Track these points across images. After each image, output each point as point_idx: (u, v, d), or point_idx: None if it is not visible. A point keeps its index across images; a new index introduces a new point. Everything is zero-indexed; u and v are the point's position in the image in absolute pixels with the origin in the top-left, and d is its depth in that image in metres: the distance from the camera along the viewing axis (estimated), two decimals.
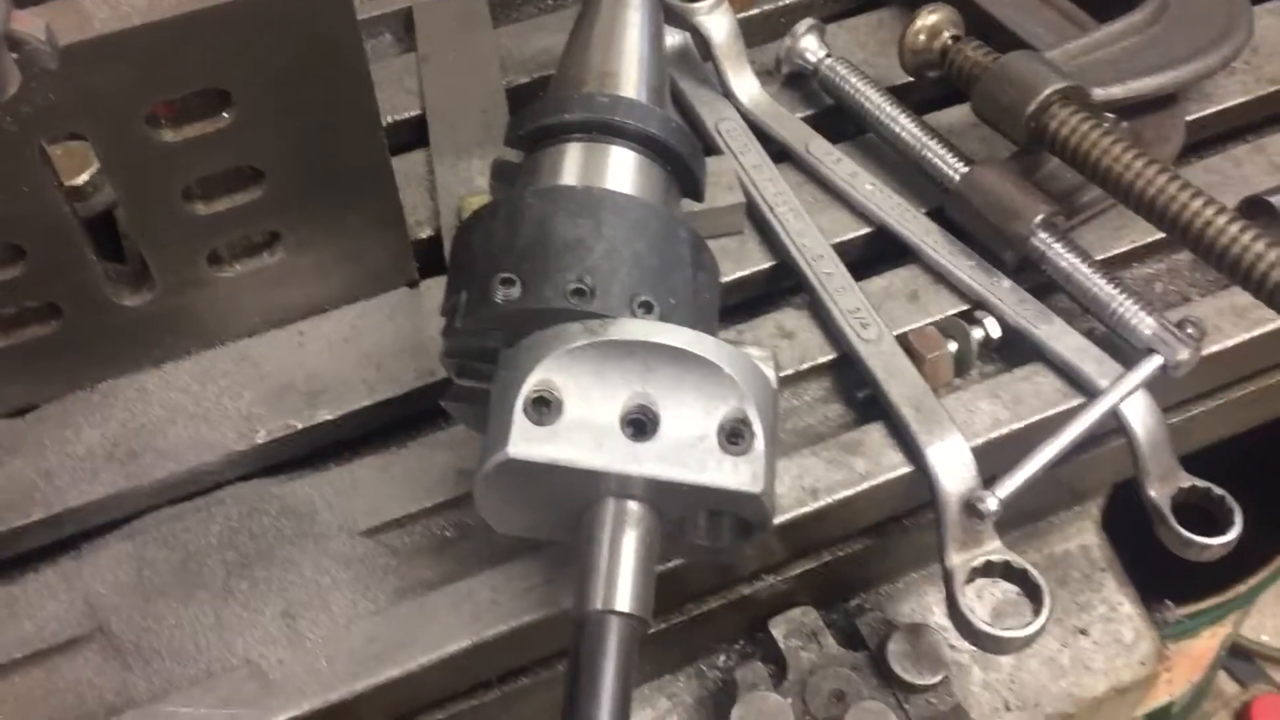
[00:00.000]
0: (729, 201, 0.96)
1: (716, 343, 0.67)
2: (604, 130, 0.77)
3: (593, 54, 0.84)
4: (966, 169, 0.95)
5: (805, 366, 0.91)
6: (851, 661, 0.86)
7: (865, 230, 0.98)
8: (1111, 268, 0.91)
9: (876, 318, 0.90)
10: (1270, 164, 1.02)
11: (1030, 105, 0.90)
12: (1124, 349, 0.87)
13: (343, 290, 0.92)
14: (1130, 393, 0.84)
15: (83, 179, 0.85)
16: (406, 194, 0.94)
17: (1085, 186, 0.95)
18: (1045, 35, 1.03)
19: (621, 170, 0.77)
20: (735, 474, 0.66)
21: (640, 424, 0.66)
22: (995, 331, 0.91)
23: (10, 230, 0.78)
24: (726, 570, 0.86)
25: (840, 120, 1.05)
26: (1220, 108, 1.06)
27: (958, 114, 1.04)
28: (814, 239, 0.95)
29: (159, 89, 0.75)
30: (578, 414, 0.66)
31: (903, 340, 0.89)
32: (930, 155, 0.98)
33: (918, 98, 1.05)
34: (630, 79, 0.82)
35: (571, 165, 0.76)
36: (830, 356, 0.91)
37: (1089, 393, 0.87)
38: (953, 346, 0.90)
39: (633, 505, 0.67)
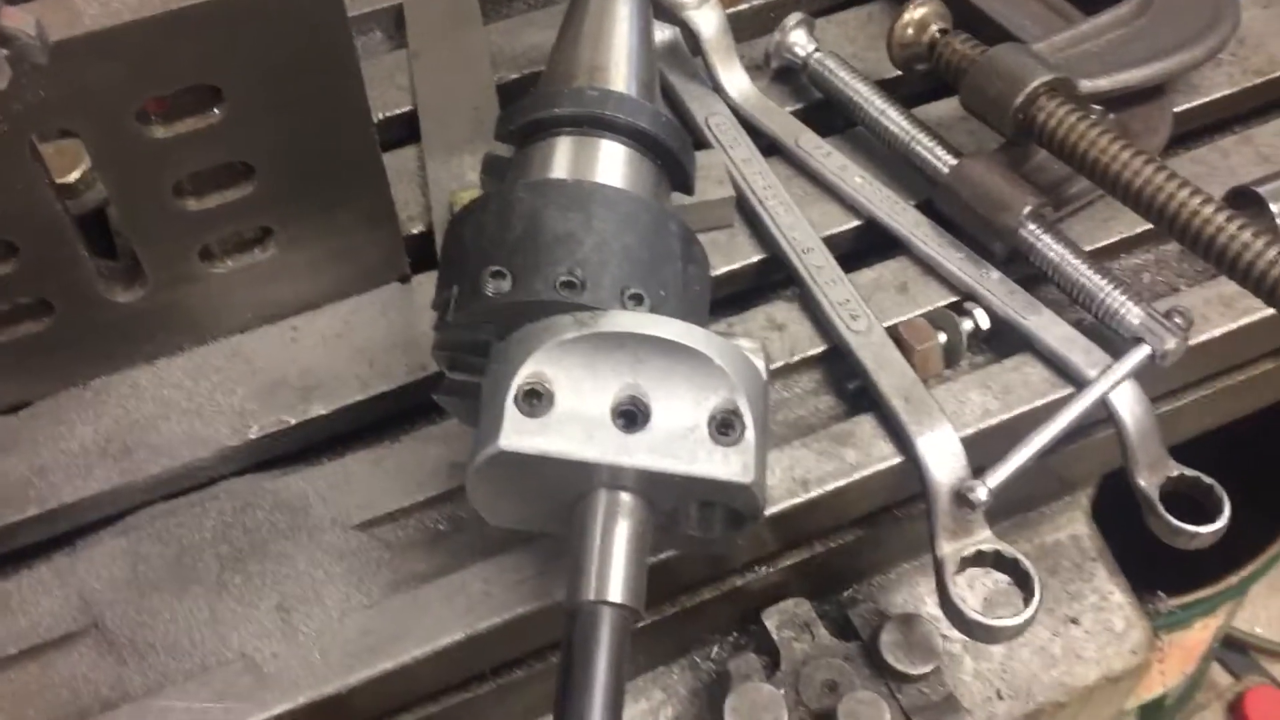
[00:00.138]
0: (719, 195, 0.96)
1: (707, 334, 0.68)
2: (594, 124, 0.78)
3: (582, 48, 0.84)
4: (955, 161, 0.96)
5: (796, 358, 0.91)
6: (844, 652, 0.87)
7: (855, 223, 0.98)
8: (1099, 258, 0.92)
9: (866, 309, 0.90)
10: (1257, 155, 1.03)
11: (1018, 98, 0.91)
12: (1112, 339, 0.88)
13: (335, 286, 0.93)
14: (1119, 382, 0.85)
15: (74, 176, 0.85)
16: (398, 190, 0.94)
17: (1073, 178, 0.95)
18: (1032, 28, 1.04)
19: (612, 164, 0.77)
20: (726, 465, 0.66)
21: (631, 415, 0.67)
22: (984, 322, 0.91)
23: (2, 227, 0.78)
24: (719, 561, 0.86)
25: (829, 114, 1.05)
26: (1207, 99, 1.06)
27: (946, 107, 1.04)
28: (804, 232, 0.95)
29: (150, 85, 0.75)
30: (569, 406, 0.66)
31: (892, 332, 0.90)
32: (919, 148, 0.98)
33: (906, 91, 1.05)
34: (620, 73, 0.82)
35: (562, 159, 0.77)
36: (820, 348, 0.91)
37: (1078, 383, 0.87)
38: (942, 338, 0.90)
39: (624, 496, 0.67)
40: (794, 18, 1.06)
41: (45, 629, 0.79)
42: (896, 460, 0.85)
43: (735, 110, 1.04)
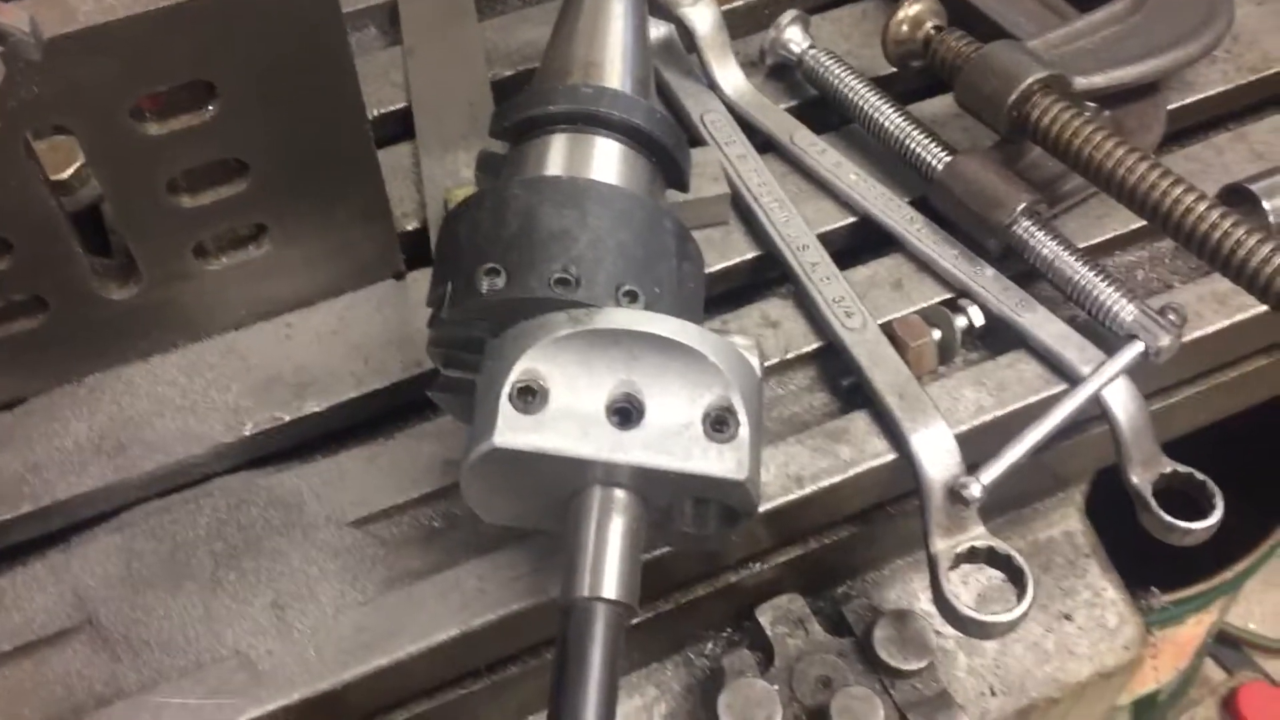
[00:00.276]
0: (714, 192, 0.96)
1: (701, 331, 0.68)
2: (589, 121, 0.77)
3: (577, 45, 0.84)
4: (949, 158, 0.96)
5: (790, 355, 0.91)
6: (838, 648, 0.87)
7: (849, 220, 0.98)
8: (1093, 255, 0.92)
9: (861, 306, 0.90)
10: (1251, 152, 1.03)
11: (1012, 95, 0.91)
12: (1106, 336, 0.88)
13: (329, 283, 0.93)
14: (1112, 379, 0.85)
15: (68, 173, 0.85)
16: (393, 186, 0.94)
17: (1067, 175, 0.95)
18: (1027, 25, 1.04)
19: (606, 161, 0.77)
20: (720, 461, 0.66)
21: (626, 412, 0.67)
22: (978, 319, 0.91)
23: None
24: (713, 558, 0.87)
25: (824, 111, 1.06)
26: (1201, 96, 1.06)
27: (940, 104, 1.04)
28: (799, 229, 0.95)
29: (143, 81, 0.75)
30: (563, 403, 0.66)
31: (887, 329, 0.90)
32: (914, 145, 0.98)
33: (901, 88, 1.05)
34: (615, 70, 0.82)
35: (556, 156, 0.77)
36: (815, 345, 0.92)
37: (1071, 379, 0.87)
38: (936, 334, 0.90)
39: (619, 493, 0.67)
40: (789, 14, 1.06)
41: (39, 626, 0.79)
42: (890, 457, 0.85)
43: (730, 107, 1.04)
